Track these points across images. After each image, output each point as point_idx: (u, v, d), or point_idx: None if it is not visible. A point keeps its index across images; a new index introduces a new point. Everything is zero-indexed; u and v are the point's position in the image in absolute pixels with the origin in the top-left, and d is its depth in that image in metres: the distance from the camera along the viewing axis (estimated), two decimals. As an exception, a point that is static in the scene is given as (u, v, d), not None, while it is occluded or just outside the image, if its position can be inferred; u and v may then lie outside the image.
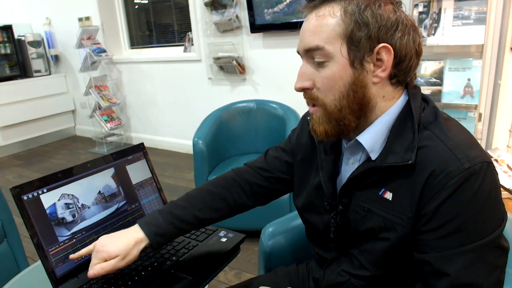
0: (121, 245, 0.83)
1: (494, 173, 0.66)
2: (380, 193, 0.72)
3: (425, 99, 0.75)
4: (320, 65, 0.71)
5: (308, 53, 0.72)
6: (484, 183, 0.63)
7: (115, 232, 0.87)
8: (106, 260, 0.82)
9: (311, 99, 0.75)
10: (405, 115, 0.72)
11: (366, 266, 0.77)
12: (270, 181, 0.97)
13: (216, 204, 0.94)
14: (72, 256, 0.86)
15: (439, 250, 0.65)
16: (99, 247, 0.83)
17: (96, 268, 0.81)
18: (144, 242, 0.85)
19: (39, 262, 1.04)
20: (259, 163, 1.00)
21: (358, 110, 0.72)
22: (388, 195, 0.71)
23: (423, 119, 0.71)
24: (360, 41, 0.68)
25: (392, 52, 0.68)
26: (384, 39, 0.68)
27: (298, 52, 0.75)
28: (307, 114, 0.95)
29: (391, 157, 0.70)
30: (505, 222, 0.66)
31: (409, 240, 0.70)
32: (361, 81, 0.70)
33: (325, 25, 0.69)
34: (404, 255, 0.72)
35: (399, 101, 0.73)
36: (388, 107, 0.73)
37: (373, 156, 0.73)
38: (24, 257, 1.77)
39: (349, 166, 0.79)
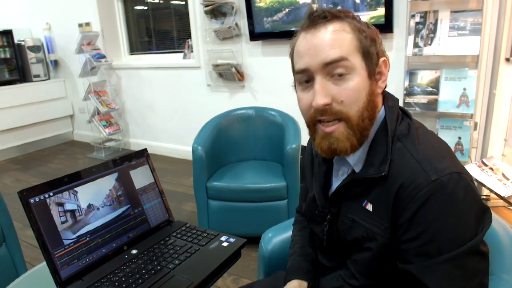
0: None
1: (467, 183, 0.67)
2: (363, 205, 0.75)
3: (403, 110, 0.79)
4: (340, 78, 0.71)
5: (327, 67, 0.71)
6: (454, 192, 0.65)
7: None
8: None
9: (334, 114, 0.72)
10: (383, 128, 0.75)
11: (355, 276, 0.80)
12: None
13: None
14: None
15: (420, 260, 0.67)
16: None
17: None
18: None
19: (37, 267, 1.05)
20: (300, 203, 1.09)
21: (373, 119, 0.75)
22: (369, 206, 0.74)
23: (398, 131, 0.74)
24: (372, 55, 0.73)
25: (388, 64, 0.76)
26: (382, 53, 0.75)
27: (307, 70, 0.73)
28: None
29: (370, 169, 0.73)
30: (485, 229, 0.68)
31: (390, 249, 0.72)
32: (373, 92, 0.74)
33: (343, 39, 0.71)
34: (387, 265, 0.75)
35: (379, 115, 0.77)
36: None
37: (357, 169, 0.77)
38: (23, 262, 1.77)
39: (338, 178, 0.83)
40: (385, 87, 0.78)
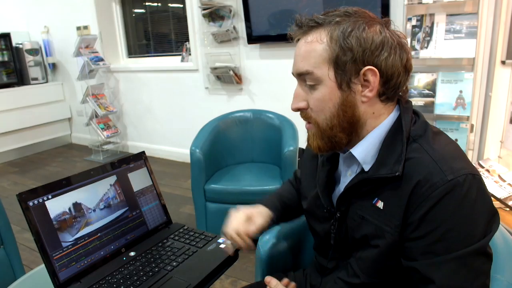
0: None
1: (481, 185, 0.69)
2: (373, 202, 0.76)
3: (415, 112, 0.79)
4: (311, 87, 0.76)
5: (300, 77, 0.77)
6: (468, 193, 0.66)
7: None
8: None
9: (306, 118, 0.80)
10: (396, 129, 0.76)
11: (357, 273, 0.81)
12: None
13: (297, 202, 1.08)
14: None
15: (426, 258, 0.68)
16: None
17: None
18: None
19: (35, 270, 1.05)
20: (293, 178, 1.16)
21: (349, 128, 0.76)
22: (380, 204, 0.75)
23: (413, 132, 0.74)
24: (345, 65, 0.72)
25: (378, 73, 0.72)
26: (369, 61, 0.72)
27: (293, 74, 0.80)
28: None
29: (381, 169, 0.74)
30: (494, 232, 0.69)
31: (397, 247, 0.73)
32: (349, 102, 0.74)
33: (313, 51, 0.74)
34: (392, 263, 0.76)
35: (391, 116, 0.77)
36: (379, 122, 0.77)
37: (366, 168, 0.77)
38: (21, 265, 1.77)
39: (346, 177, 0.84)
40: (388, 93, 0.75)
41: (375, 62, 0.72)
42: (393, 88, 0.75)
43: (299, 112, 0.81)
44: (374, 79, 0.72)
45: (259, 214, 0.99)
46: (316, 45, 0.73)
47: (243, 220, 0.95)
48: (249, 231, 0.94)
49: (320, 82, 0.74)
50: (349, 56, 0.71)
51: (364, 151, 0.77)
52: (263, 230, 0.98)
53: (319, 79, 0.74)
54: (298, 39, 0.78)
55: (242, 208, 0.98)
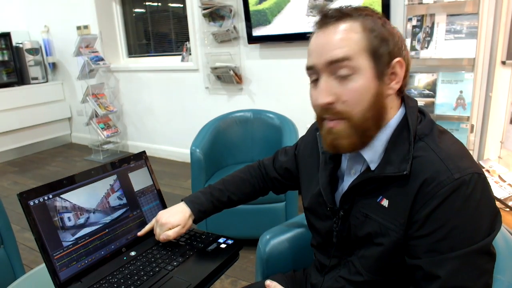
0: (180, 217, 1.03)
1: (485, 184, 0.69)
2: (378, 200, 0.76)
3: (421, 111, 0.79)
4: (344, 78, 0.72)
5: (331, 66, 0.72)
6: (474, 192, 0.67)
7: (169, 209, 1.06)
8: (170, 229, 1.01)
9: (335, 114, 0.74)
10: (402, 128, 0.76)
11: (360, 271, 0.81)
12: (277, 180, 1.14)
13: (245, 189, 1.13)
14: (139, 233, 1.06)
15: (430, 255, 0.69)
16: (163, 221, 1.02)
17: (165, 234, 1.01)
18: (192, 216, 1.05)
19: (35, 269, 1.06)
20: (269, 164, 1.16)
21: (379, 120, 0.75)
22: (385, 202, 0.75)
23: (419, 131, 0.74)
24: (382, 55, 0.72)
25: (404, 65, 0.74)
26: (398, 54, 0.74)
27: (313, 68, 0.75)
28: (315, 124, 0.98)
29: (388, 167, 0.74)
30: (497, 231, 0.69)
31: (401, 245, 0.73)
32: (381, 93, 0.74)
33: (350, 39, 0.71)
34: (395, 261, 0.76)
35: (397, 115, 0.78)
36: (390, 118, 0.77)
37: (373, 167, 0.77)
38: (21, 265, 1.77)
39: (350, 176, 0.84)
40: (402, 88, 0.76)
41: (402, 55, 0.74)
42: (405, 83, 0.77)
43: (319, 111, 0.77)
44: (401, 71, 0.74)
45: (174, 214, 1.04)
46: (351, 34, 0.72)
47: (155, 225, 1.05)
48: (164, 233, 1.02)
49: (356, 71, 0.71)
50: (385, 47, 0.72)
51: (371, 150, 0.77)
52: (185, 225, 1.04)
53: (357, 68, 0.71)
54: (318, 31, 0.75)
55: (168, 220, 1.03)
